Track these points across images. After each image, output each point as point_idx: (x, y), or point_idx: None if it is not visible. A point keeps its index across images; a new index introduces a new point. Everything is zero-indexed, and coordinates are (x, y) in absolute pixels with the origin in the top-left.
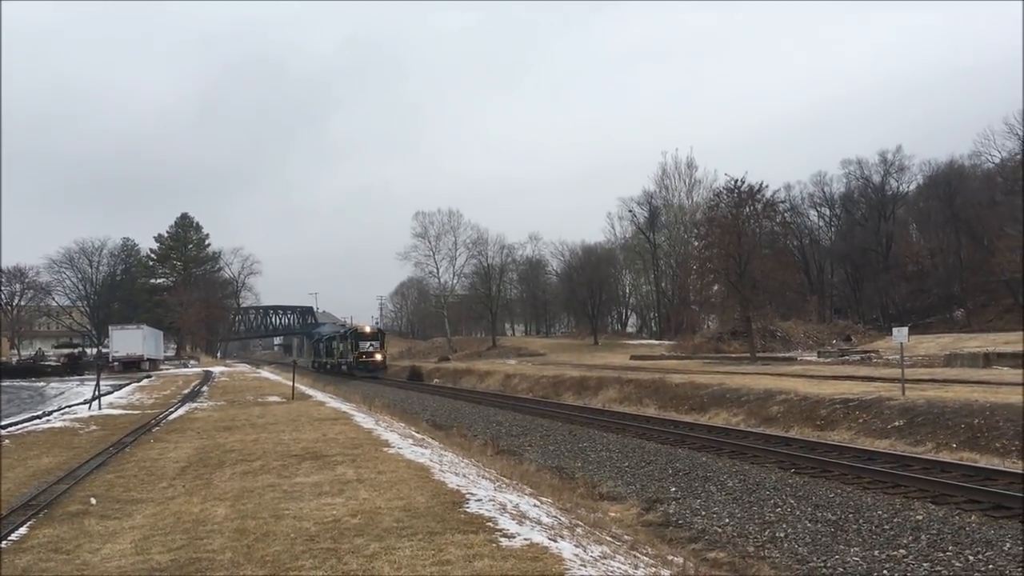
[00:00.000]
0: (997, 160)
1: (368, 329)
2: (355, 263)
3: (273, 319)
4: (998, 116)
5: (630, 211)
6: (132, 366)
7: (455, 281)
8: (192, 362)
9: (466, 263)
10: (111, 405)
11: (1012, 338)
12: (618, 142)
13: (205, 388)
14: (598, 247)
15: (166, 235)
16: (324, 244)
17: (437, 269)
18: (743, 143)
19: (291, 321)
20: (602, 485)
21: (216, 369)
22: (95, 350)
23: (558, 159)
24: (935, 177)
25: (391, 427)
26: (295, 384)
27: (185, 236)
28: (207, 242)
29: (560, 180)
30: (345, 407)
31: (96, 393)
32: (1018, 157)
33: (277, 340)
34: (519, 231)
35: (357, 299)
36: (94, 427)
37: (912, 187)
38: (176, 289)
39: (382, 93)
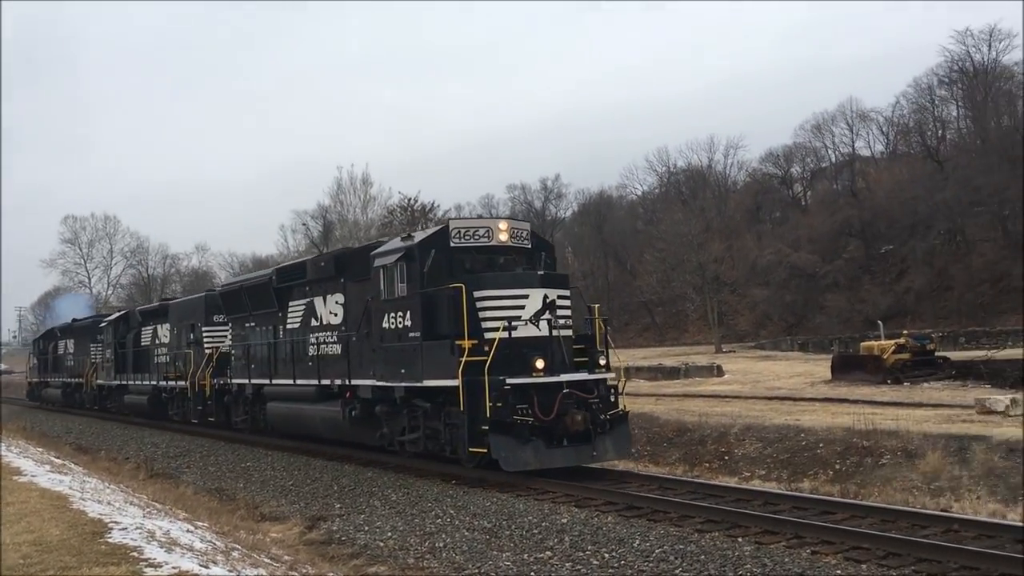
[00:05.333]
0: (639, 192)
1: (514, 236)
2: None
3: None
4: (640, 153)
5: (304, 224)
6: None
7: (110, 292)
8: None
9: (123, 273)
10: None
11: (648, 353)
12: (294, 154)
13: None
14: (270, 260)
15: None
16: None
17: (89, 279)
18: (417, 163)
19: None
20: (264, 505)
21: None
22: None
23: (232, 169)
24: (587, 205)
25: (25, 452)
26: None
27: None
28: None
29: (233, 191)
30: None
31: None
32: (657, 191)
33: None
34: (185, 241)
35: None
36: None
37: (568, 213)
38: None
39: (45, 90)
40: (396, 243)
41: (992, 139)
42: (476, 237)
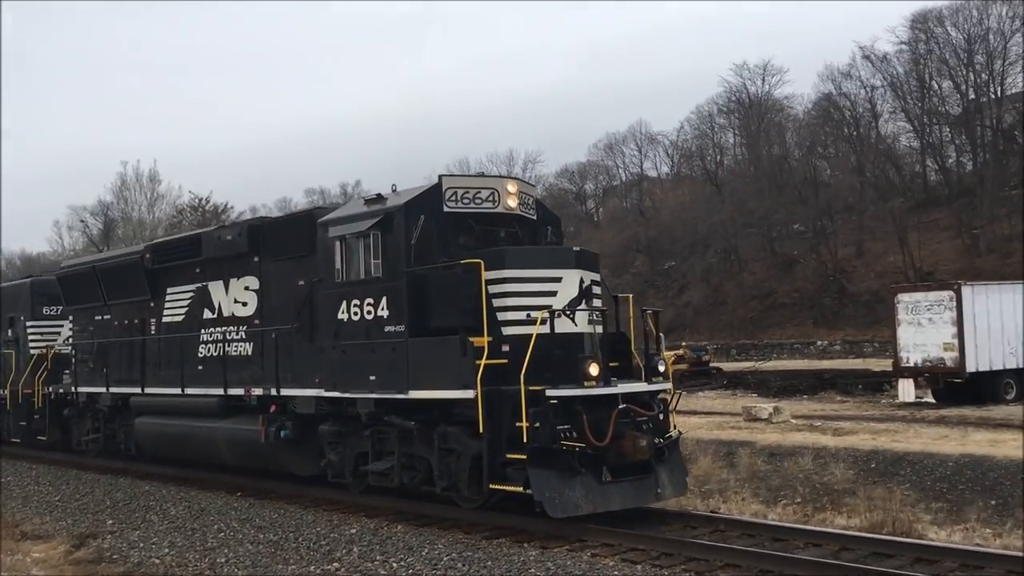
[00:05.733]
0: None
1: (522, 203)
2: None
3: None
4: (442, 164)
5: (82, 221)
6: None
7: None
8: None
9: None
10: None
11: None
12: (71, 146)
13: None
14: (42, 258)
15: None
16: None
17: None
18: (212, 162)
19: None
20: (27, 523)
21: None
22: None
23: None
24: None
25: None
26: None
27: None
28: None
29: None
30: None
31: None
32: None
33: None
34: None
35: None
36: None
37: None
38: None
39: None
40: (359, 206)
41: (764, 166)
42: (478, 201)
